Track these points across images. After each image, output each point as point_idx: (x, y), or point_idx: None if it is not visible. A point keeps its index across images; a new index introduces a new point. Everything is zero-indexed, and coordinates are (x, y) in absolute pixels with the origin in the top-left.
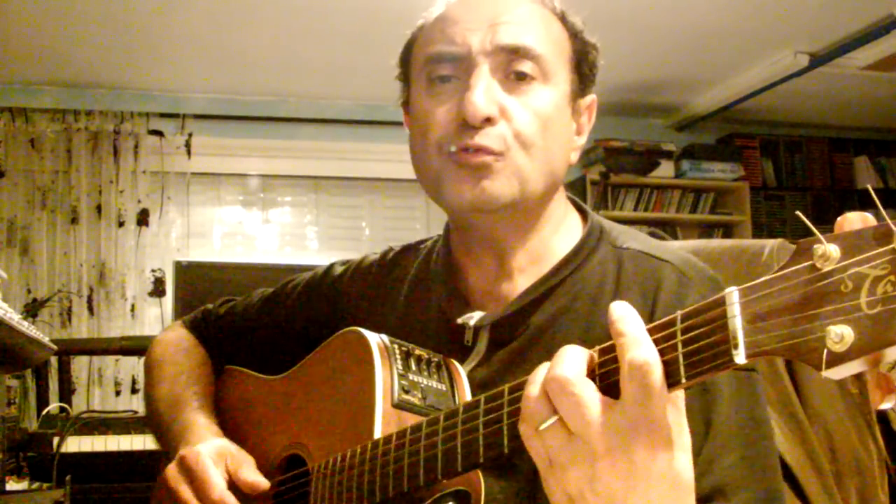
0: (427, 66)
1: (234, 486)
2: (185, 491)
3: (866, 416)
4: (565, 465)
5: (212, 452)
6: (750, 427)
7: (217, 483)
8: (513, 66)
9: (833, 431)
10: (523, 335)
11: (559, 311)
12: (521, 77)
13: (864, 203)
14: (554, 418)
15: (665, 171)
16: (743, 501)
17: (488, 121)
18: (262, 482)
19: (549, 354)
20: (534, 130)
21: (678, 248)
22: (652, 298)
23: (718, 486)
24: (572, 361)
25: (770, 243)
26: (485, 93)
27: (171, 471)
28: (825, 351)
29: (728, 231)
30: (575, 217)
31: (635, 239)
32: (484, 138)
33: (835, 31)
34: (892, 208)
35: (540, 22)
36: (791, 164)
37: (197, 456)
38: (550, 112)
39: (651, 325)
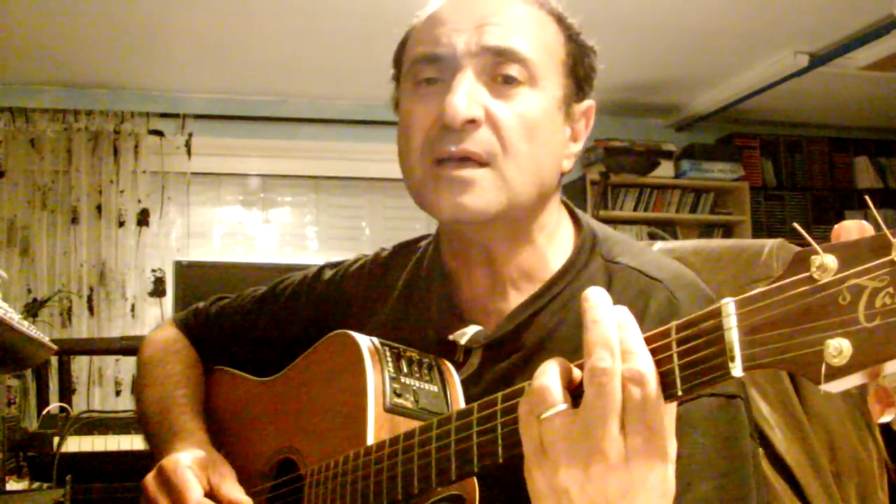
0: (413, 67)
1: (214, 498)
2: (163, 501)
3: (866, 415)
4: (559, 460)
5: (192, 462)
6: (725, 456)
7: (194, 493)
8: (499, 69)
9: (833, 431)
10: (515, 355)
11: (550, 330)
12: (508, 81)
13: (863, 203)
14: (561, 406)
15: (665, 171)
16: None
17: (472, 123)
18: (245, 499)
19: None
20: (520, 136)
21: (674, 251)
22: (638, 320)
23: None
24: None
25: (770, 243)
26: (467, 95)
27: (150, 480)
28: (823, 365)
29: (728, 231)
30: (568, 225)
31: (629, 251)
32: (468, 143)
33: (835, 31)
34: (892, 208)
35: (531, 24)
36: (791, 164)
37: (175, 465)
38: (538, 117)
39: (646, 335)
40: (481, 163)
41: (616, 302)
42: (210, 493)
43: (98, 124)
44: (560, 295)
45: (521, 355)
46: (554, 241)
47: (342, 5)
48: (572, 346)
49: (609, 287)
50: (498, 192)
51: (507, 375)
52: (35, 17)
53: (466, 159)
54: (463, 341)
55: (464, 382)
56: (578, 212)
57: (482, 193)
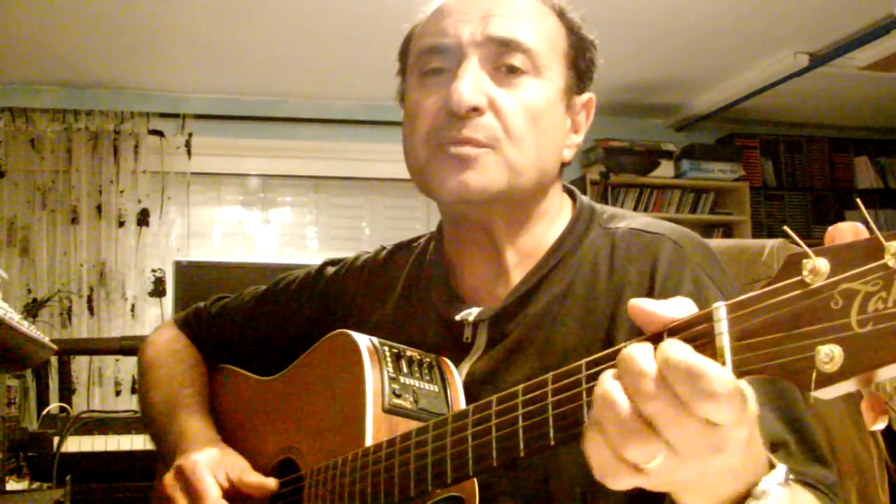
0: (420, 58)
1: (232, 493)
2: (181, 500)
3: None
4: (668, 476)
5: (209, 461)
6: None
7: (211, 493)
8: (503, 58)
9: (833, 431)
10: (521, 326)
11: (555, 298)
12: (512, 70)
13: (863, 203)
14: (662, 455)
15: (665, 171)
16: (786, 456)
17: (476, 111)
18: (269, 482)
19: (547, 343)
20: (523, 123)
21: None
22: (650, 273)
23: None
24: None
25: (770, 243)
26: (472, 83)
27: (168, 480)
28: (815, 371)
29: (728, 231)
30: (567, 208)
31: (625, 217)
32: (471, 130)
33: (835, 31)
34: (892, 208)
35: (534, 16)
36: (791, 164)
37: (194, 465)
38: (541, 106)
39: (639, 338)
40: (484, 146)
41: (623, 260)
42: (229, 491)
43: (98, 124)
44: (562, 264)
45: (526, 327)
46: (553, 226)
47: (342, 6)
48: (579, 313)
49: (612, 250)
50: (499, 171)
51: (514, 348)
52: (35, 17)
53: (469, 142)
54: (471, 318)
55: (472, 363)
56: (576, 191)
57: (484, 171)
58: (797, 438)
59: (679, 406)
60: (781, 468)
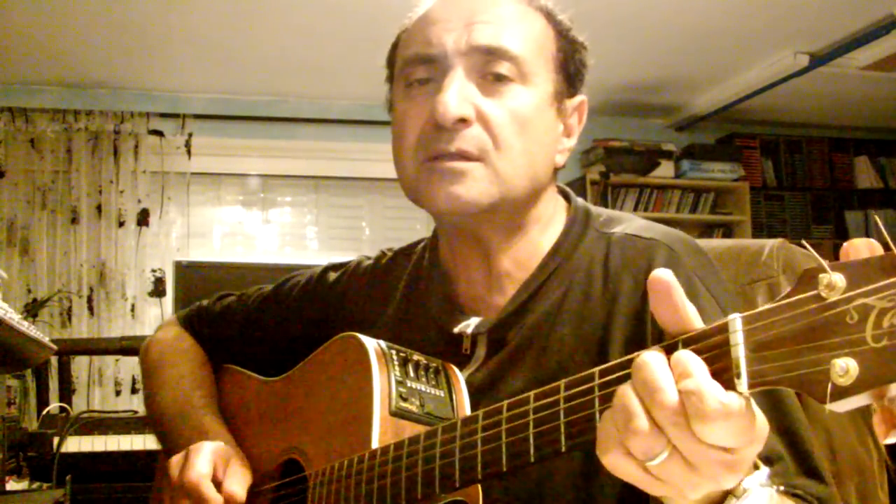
0: (405, 68)
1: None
2: (174, 472)
3: (866, 416)
4: (685, 489)
5: (217, 449)
6: (775, 394)
7: (199, 469)
8: (489, 67)
9: (833, 431)
10: (519, 336)
11: (552, 306)
12: (499, 78)
13: (863, 203)
14: (666, 453)
15: (665, 171)
16: (781, 470)
17: (463, 122)
18: (239, 496)
19: (543, 351)
20: (512, 132)
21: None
22: (644, 279)
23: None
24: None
25: (770, 243)
26: (457, 94)
27: (174, 459)
28: (830, 384)
29: (728, 231)
30: (562, 214)
31: (621, 221)
32: (460, 141)
33: (835, 31)
34: (892, 208)
35: (520, 21)
36: (791, 164)
37: (199, 447)
38: (530, 113)
39: (653, 347)
40: (474, 159)
41: (618, 266)
42: (218, 482)
43: (98, 124)
44: (558, 271)
45: (524, 337)
46: (548, 232)
47: (343, 5)
48: (574, 322)
49: (607, 256)
50: (490, 184)
51: (511, 359)
52: (35, 17)
53: (459, 155)
54: (469, 331)
55: (472, 373)
56: (571, 194)
57: (474, 184)
58: (792, 451)
59: (684, 415)
60: (764, 470)
